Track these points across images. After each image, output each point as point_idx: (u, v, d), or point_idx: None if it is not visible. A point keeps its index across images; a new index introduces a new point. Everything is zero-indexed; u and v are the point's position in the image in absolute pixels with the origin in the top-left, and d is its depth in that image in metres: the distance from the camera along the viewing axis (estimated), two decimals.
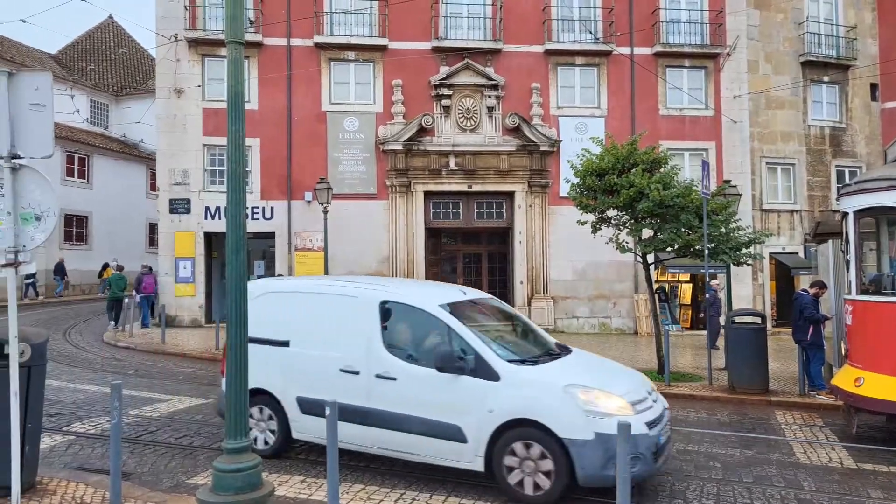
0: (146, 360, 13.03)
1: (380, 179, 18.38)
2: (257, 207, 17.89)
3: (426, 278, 18.36)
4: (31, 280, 24.61)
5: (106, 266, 19.56)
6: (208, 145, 18.20)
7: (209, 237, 18.27)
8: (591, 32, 18.68)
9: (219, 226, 17.99)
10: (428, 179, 18.52)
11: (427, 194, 18.63)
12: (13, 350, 4.95)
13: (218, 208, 17.91)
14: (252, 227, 18.06)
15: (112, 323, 17.04)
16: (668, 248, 11.58)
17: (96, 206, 29.73)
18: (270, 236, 18.23)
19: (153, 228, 32.33)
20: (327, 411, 4.82)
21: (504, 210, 19.13)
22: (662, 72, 19.25)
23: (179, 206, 18.06)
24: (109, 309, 17.34)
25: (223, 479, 4.62)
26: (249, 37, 17.69)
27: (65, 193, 25.18)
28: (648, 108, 19.10)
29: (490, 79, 18.45)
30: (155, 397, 9.32)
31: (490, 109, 18.52)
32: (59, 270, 26.48)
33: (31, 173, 5.12)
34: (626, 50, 18.85)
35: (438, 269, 19.55)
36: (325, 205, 15.21)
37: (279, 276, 16.47)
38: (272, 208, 18.18)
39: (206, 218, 18.11)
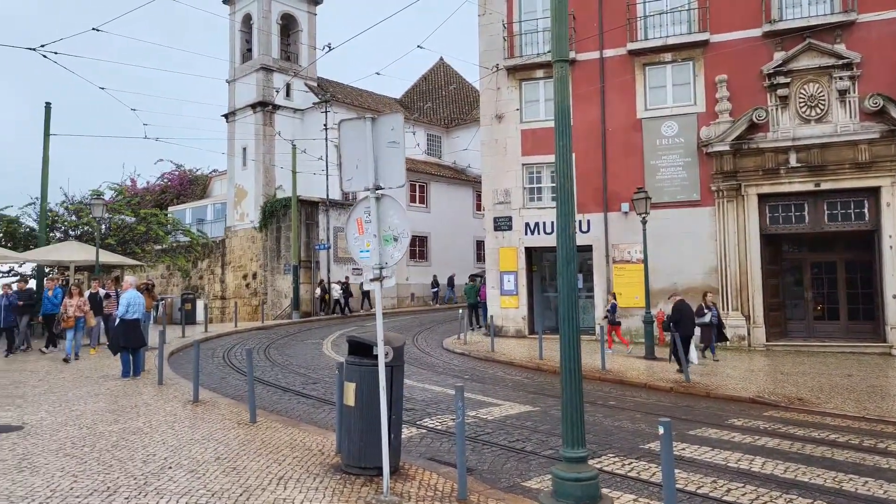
0: (478, 366, 14.15)
1: (703, 184, 17.05)
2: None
3: (763, 291, 16.34)
4: (436, 289, 33.13)
5: (474, 277, 23.40)
6: (526, 164, 19.17)
7: (529, 252, 19.18)
8: None
9: (537, 241, 18.78)
10: (762, 181, 16.51)
11: (761, 197, 16.61)
12: (380, 351, 5.73)
13: (537, 224, 18.71)
14: None
15: (469, 324, 20.07)
16: None
17: (433, 226, 33.92)
18: (587, 249, 18.31)
19: (479, 245, 35.46)
20: (661, 430, 4.49)
21: (865, 210, 15.98)
22: None
23: (502, 224, 19.36)
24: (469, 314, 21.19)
25: (564, 487, 4.63)
26: None
27: (409, 217, 29.36)
28: None
29: (841, 57, 15.69)
30: (488, 401, 9.98)
31: (842, 93, 15.73)
32: (451, 283, 33.31)
33: (390, 201, 5.91)
34: None
35: (778, 280, 17.21)
36: (643, 215, 14.67)
37: None
38: (588, 221, 18.27)
39: (525, 233, 19.06)
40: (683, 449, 7.14)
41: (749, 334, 16.30)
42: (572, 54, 18.17)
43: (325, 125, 30.22)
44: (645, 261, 15.03)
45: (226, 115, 35.77)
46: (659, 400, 10.38)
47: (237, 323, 24.68)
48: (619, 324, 15.60)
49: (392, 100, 39.22)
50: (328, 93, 33.24)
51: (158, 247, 31.87)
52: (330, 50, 15.57)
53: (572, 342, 4.88)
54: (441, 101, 40.26)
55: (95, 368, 12.89)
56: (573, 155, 18.32)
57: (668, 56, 17.65)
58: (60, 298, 15.47)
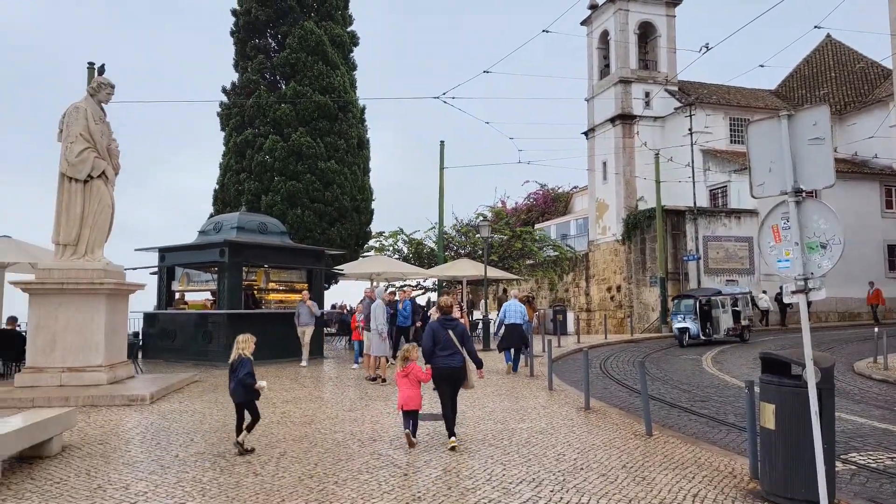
0: None
1: None
2: None
3: None
4: None
5: None
6: None
7: None
8: None
9: None
10: None
11: None
12: (810, 373, 5.11)
13: None
14: None
15: None
16: None
17: None
18: None
19: (892, 250, 29.42)
20: None
21: None
22: None
23: None
24: None
25: None
26: None
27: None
28: None
29: None
30: None
31: None
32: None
33: (815, 204, 5.28)
34: None
35: None
36: None
37: None
38: None
39: None
40: None
41: None
42: None
43: (689, 129, 28.93)
44: None
45: (585, 133, 37.19)
46: None
47: (606, 335, 25.17)
48: None
49: (766, 92, 35.47)
50: (691, 96, 31.78)
51: (530, 262, 34.68)
52: (707, 50, 14.85)
53: None
54: (830, 84, 34.78)
55: (484, 364, 14.57)
56: None
57: None
58: (409, 311, 16.13)
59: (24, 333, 13.09)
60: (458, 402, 7.66)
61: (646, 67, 34.36)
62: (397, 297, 15.97)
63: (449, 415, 7.39)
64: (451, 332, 7.45)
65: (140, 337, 17.69)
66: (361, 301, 15.79)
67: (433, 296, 30.07)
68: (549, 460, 6.78)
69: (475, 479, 6.10)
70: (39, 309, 11.40)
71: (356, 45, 27.82)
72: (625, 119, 33.40)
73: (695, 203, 28.80)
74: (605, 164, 34.92)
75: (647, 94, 33.27)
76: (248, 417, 7.16)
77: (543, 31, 14.18)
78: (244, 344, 7.11)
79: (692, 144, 28.76)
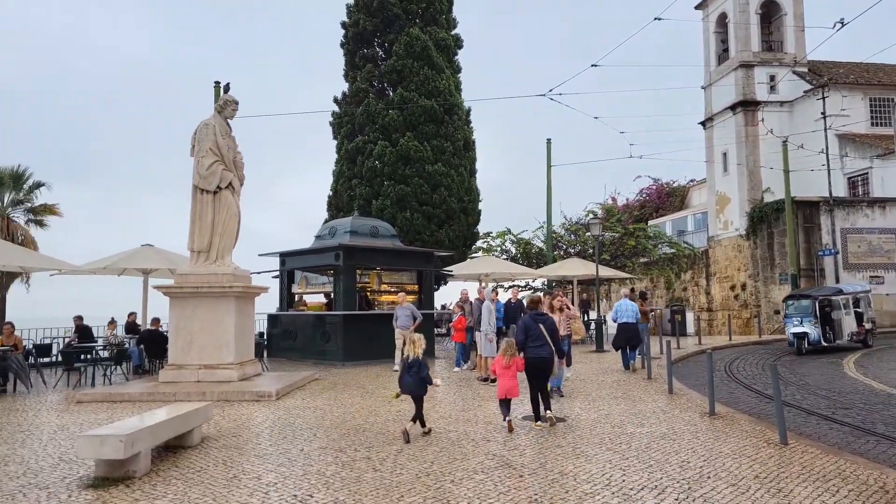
0: None
1: None
2: None
3: None
4: None
5: None
6: None
7: None
8: None
9: None
10: None
11: None
12: None
13: None
14: None
15: None
16: None
17: None
18: None
19: None
20: None
21: None
22: None
23: None
24: None
25: None
26: None
27: None
28: None
29: None
30: None
31: None
32: None
33: None
34: None
35: None
36: None
37: None
38: None
39: None
40: None
41: None
42: None
43: (822, 113, 26.62)
44: None
45: (702, 123, 35.26)
46: None
47: (731, 336, 23.69)
48: None
49: None
50: (824, 76, 29.25)
51: (644, 260, 33.34)
52: (843, 26, 13.56)
53: None
54: None
55: (598, 365, 14.13)
56: None
57: None
58: (503, 313, 14.26)
59: (165, 333, 14.31)
60: (571, 405, 7.84)
61: (769, 49, 32.03)
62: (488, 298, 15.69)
63: (536, 399, 8.52)
64: (541, 326, 8.33)
65: (265, 337, 18.82)
66: (461, 303, 15.81)
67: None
68: (672, 467, 6.43)
69: (593, 483, 5.90)
70: (178, 311, 12.41)
71: (460, 47, 28.06)
72: (747, 105, 31.32)
73: (830, 193, 26.45)
74: (725, 154, 32.92)
75: (771, 78, 31.01)
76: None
77: (655, 18, 13.58)
78: (419, 343, 7.98)
79: (826, 129, 26.44)
